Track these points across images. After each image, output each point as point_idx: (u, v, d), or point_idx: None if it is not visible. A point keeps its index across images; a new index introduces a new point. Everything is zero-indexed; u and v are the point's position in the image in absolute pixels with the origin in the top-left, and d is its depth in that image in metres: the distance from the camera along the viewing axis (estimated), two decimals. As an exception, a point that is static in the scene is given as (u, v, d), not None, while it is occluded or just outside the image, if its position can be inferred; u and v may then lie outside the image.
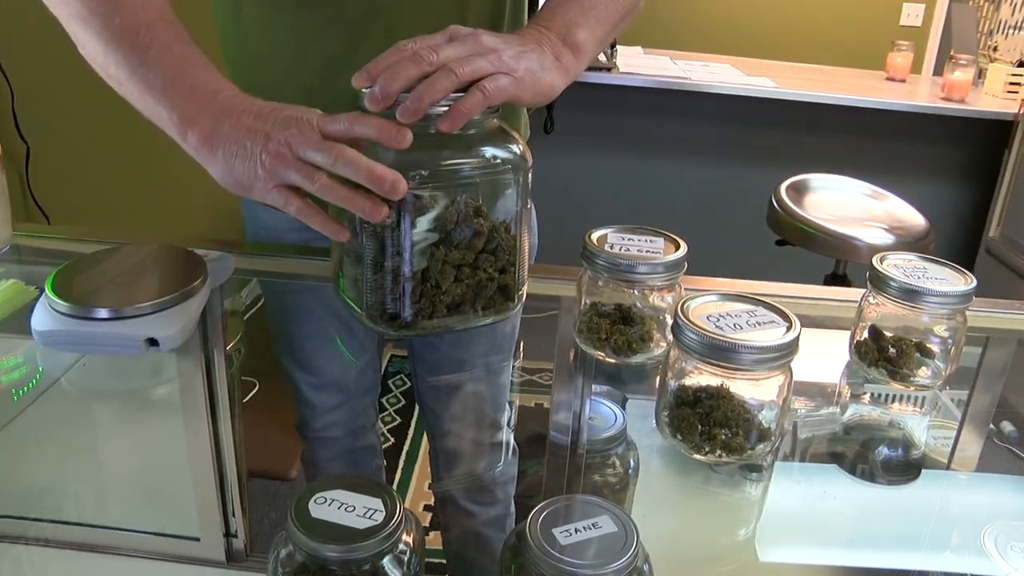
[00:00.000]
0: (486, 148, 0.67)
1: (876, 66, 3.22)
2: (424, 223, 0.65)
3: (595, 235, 0.73)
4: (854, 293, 0.81)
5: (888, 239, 1.83)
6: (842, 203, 1.97)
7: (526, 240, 0.71)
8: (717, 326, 0.59)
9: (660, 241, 0.74)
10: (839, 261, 1.99)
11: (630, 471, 0.88)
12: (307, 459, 1.30)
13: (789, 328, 0.59)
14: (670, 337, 0.73)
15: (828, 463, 0.76)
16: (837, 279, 1.99)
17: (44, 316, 0.67)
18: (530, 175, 0.70)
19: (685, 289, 0.73)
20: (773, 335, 0.58)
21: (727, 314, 0.60)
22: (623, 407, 0.90)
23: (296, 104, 0.67)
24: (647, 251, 0.71)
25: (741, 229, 2.45)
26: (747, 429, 0.61)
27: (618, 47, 2.87)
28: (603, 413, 0.88)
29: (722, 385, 0.62)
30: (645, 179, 2.75)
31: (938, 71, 3.65)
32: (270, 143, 0.63)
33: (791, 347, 0.58)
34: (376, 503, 0.52)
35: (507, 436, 1.30)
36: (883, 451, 0.77)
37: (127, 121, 2.01)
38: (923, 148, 2.69)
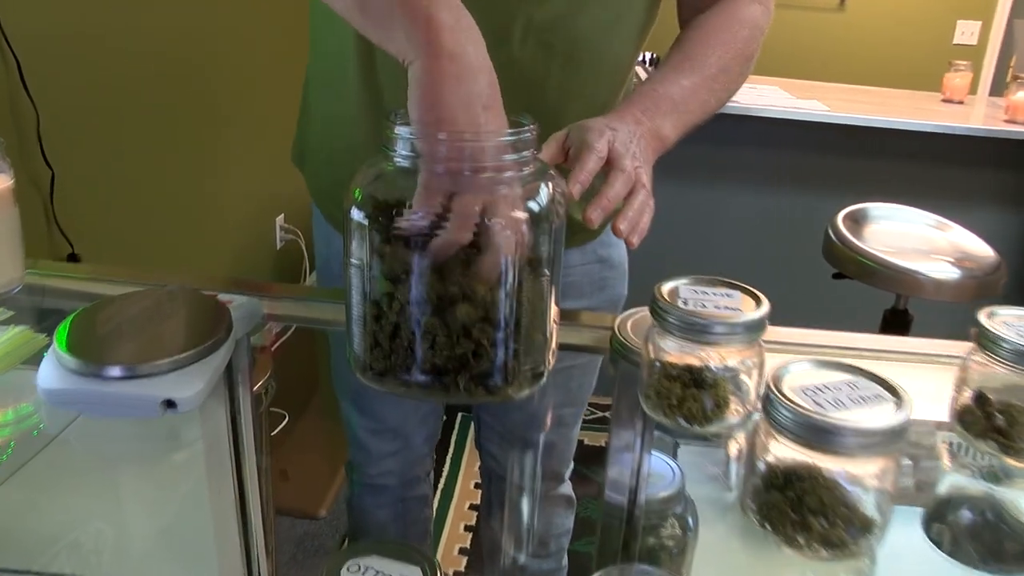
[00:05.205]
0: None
1: (929, 87, 3.12)
2: (394, 268, 0.59)
3: (665, 288, 0.66)
4: (955, 347, 0.73)
5: (954, 273, 1.73)
6: (904, 234, 1.88)
7: (552, 310, 0.64)
8: (816, 403, 0.51)
9: (738, 295, 0.66)
10: (900, 296, 1.90)
11: (688, 532, 0.82)
12: (354, 504, 1.28)
13: (898, 405, 0.52)
14: (750, 404, 0.66)
15: (924, 543, 0.68)
16: (898, 315, 1.89)
17: (52, 372, 0.61)
18: (555, 234, 0.62)
19: (763, 343, 0.66)
20: (880, 414, 0.51)
21: (824, 386, 0.53)
22: (675, 455, 0.84)
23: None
24: (724, 307, 0.64)
25: (794, 261, 2.37)
26: (846, 518, 0.54)
27: (661, 68, 2.80)
28: (659, 469, 0.81)
29: (814, 464, 0.54)
30: (691, 209, 2.67)
31: (996, 91, 3.54)
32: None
33: (902, 430, 0.50)
34: (414, 571, 0.49)
35: (567, 489, 1.25)
36: (992, 533, 0.68)
37: (158, 146, 1.98)
38: (986, 174, 2.58)
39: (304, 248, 2.82)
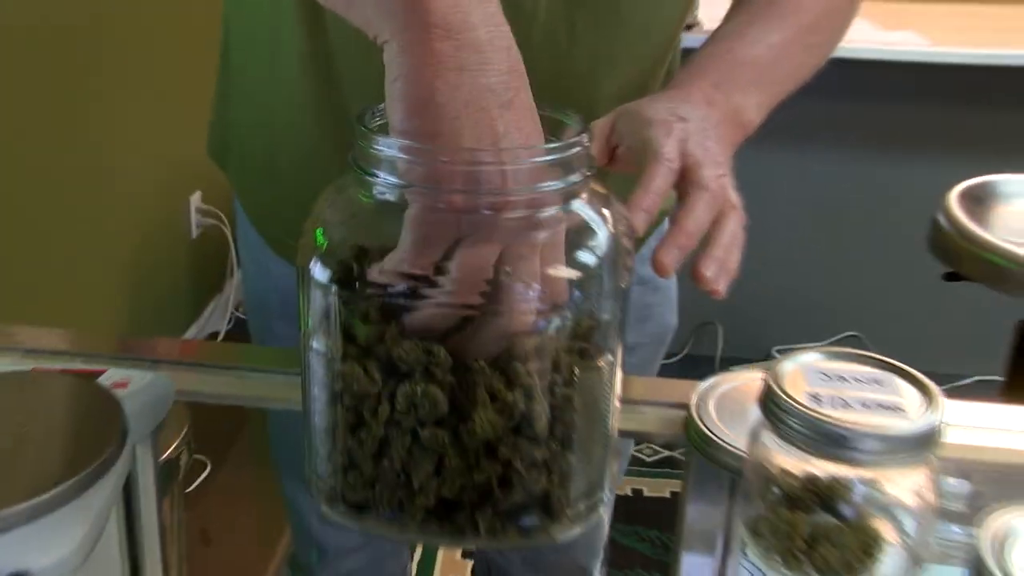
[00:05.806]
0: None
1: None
2: (378, 355, 0.52)
3: (784, 371, 0.57)
4: None
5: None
6: (1045, 218, 1.80)
7: (615, 409, 0.58)
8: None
9: (892, 380, 0.57)
10: (1039, 303, 1.82)
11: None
12: None
13: None
14: (916, 549, 0.57)
15: None
16: (1037, 328, 1.82)
17: None
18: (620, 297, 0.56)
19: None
20: None
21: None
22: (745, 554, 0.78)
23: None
24: (875, 404, 0.55)
25: (888, 252, 2.30)
26: None
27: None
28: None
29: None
30: (750, 177, 2.60)
31: None
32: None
33: None
34: None
35: None
36: None
37: (25, 111, 1.87)
38: None
39: (230, 237, 2.75)
